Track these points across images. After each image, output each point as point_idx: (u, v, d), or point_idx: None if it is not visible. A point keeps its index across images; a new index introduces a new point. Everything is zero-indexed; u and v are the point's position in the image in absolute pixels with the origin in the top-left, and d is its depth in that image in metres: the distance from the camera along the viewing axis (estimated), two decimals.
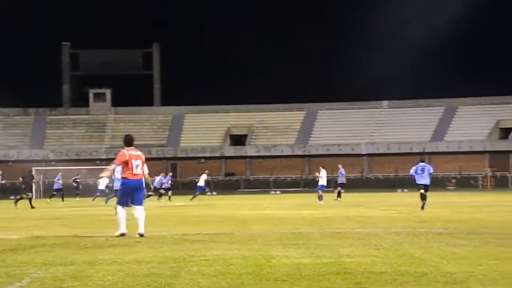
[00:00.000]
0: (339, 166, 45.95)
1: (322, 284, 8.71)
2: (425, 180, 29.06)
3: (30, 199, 37.64)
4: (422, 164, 29.96)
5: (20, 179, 40.82)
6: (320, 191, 39.67)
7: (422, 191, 28.65)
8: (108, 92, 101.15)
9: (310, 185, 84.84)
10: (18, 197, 38.58)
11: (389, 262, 10.70)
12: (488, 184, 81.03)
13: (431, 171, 29.69)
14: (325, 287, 8.45)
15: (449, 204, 34.07)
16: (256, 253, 12.23)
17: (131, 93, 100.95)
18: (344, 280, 9.02)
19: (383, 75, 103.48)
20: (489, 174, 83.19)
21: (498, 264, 10.32)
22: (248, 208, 32.46)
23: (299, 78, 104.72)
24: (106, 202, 37.67)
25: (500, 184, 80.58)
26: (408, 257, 11.39)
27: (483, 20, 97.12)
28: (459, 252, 11.97)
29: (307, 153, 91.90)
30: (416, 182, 29.40)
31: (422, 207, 27.75)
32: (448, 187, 79.72)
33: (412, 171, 29.78)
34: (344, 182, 45.49)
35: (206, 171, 49.95)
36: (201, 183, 45.92)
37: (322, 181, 40.46)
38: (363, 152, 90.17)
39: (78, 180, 61.57)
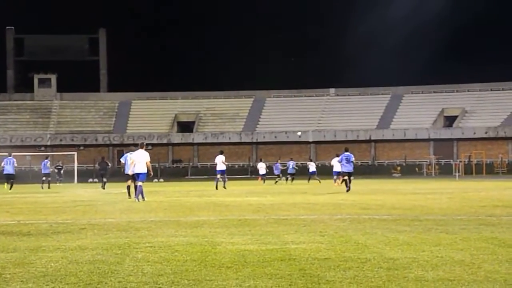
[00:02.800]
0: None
1: (266, 270, 8.74)
2: (348, 168, 33.96)
3: None
4: (347, 153, 34.42)
5: None
6: (335, 177, 43.50)
7: (346, 177, 33.64)
8: (53, 78, 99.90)
9: (257, 172, 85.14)
10: None
11: (333, 249, 10.79)
12: (433, 171, 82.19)
13: (353, 159, 34.71)
14: (270, 273, 8.48)
15: (394, 191, 34.44)
16: (202, 239, 12.23)
17: (77, 79, 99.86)
18: (289, 266, 9.06)
19: (331, 63, 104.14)
20: (434, 161, 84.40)
21: (439, 250, 10.48)
22: (195, 195, 32.40)
23: (247, 65, 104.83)
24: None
25: (444, 171, 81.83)
26: (352, 243, 11.49)
27: (432, 9, 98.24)
28: (402, 239, 12.12)
29: (254, 140, 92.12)
30: (342, 170, 34.63)
31: (348, 190, 32.20)
32: (394, 174, 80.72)
33: (338, 159, 35.31)
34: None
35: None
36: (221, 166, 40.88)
37: (336, 167, 42.82)
38: (310, 140, 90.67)
39: (60, 167, 60.89)
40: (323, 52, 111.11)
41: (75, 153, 73.99)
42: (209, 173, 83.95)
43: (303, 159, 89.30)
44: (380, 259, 9.60)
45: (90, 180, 70.78)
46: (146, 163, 26.66)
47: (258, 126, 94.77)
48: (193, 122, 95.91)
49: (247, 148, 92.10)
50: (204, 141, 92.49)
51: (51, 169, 52.64)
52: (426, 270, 8.64)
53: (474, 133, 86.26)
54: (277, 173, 57.96)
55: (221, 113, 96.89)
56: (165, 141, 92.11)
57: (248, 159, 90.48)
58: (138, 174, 26.54)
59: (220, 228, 14.36)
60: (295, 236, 12.70)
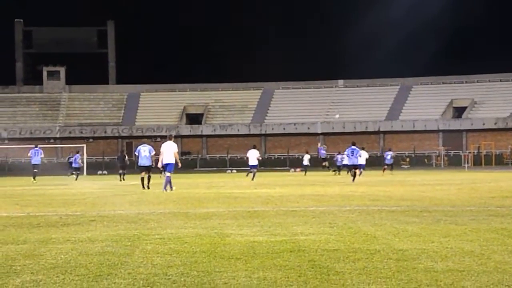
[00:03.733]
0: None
1: (276, 261, 8.75)
2: (353, 161, 36.58)
3: None
4: (353, 147, 36.73)
5: None
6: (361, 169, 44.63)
7: (352, 170, 36.64)
8: (62, 70, 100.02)
9: (266, 164, 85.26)
10: None
11: (342, 240, 10.79)
12: (442, 162, 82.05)
13: (360, 154, 37.72)
14: (279, 265, 8.49)
15: (403, 183, 34.42)
16: (211, 231, 12.25)
17: (86, 71, 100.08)
18: (298, 257, 9.07)
19: (340, 54, 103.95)
20: (443, 152, 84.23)
21: (448, 241, 10.47)
22: (204, 187, 32.43)
23: (256, 57, 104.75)
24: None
25: (453, 162, 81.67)
26: (361, 234, 11.49)
27: (440, 2, 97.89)
28: (411, 230, 12.11)
29: (263, 132, 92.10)
30: (348, 163, 37.61)
31: (353, 180, 35.09)
32: (403, 166, 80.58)
33: (346, 153, 37.61)
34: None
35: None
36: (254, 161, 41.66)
37: (361, 160, 44.02)
38: (319, 131, 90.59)
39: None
40: (331, 44, 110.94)
41: (84, 145, 74.14)
42: (218, 165, 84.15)
43: (312, 150, 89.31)
44: (389, 250, 9.60)
45: (100, 172, 70.94)
46: (174, 153, 27.32)
47: (266, 118, 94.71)
48: (202, 114, 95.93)
49: (255, 140, 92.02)
50: (212, 133, 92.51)
51: (81, 164, 53.26)
52: (435, 261, 8.64)
53: (483, 124, 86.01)
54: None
55: (230, 105, 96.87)
56: (174, 133, 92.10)
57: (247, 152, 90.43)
58: (166, 165, 27.30)
59: (229, 220, 14.38)
60: (304, 227, 12.71)
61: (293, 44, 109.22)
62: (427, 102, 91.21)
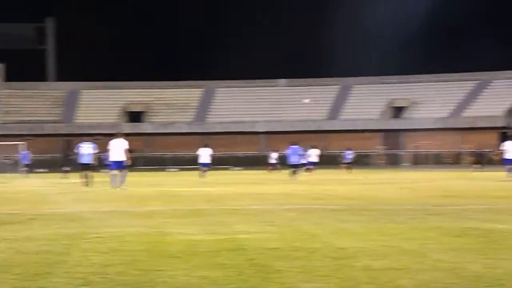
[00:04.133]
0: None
1: (216, 260, 8.75)
2: (294, 160, 37.49)
3: None
4: (294, 146, 38.03)
5: None
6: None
7: (293, 168, 37.25)
8: (1, 67, 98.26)
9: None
10: None
11: (283, 238, 10.84)
12: (381, 162, 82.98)
13: (300, 152, 38.75)
14: (219, 263, 8.49)
15: (343, 182, 34.74)
16: (152, 230, 12.19)
17: (26, 68, 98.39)
18: (238, 256, 9.08)
19: (281, 53, 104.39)
20: (383, 152, 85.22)
21: (387, 240, 10.60)
22: (145, 185, 32.25)
23: (197, 55, 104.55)
24: None
25: (392, 161, 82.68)
26: (302, 233, 11.56)
27: (381, 3, 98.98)
28: (351, 228, 12.23)
29: (205, 131, 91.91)
30: (289, 161, 37.77)
31: (294, 179, 35.51)
32: (343, 165, 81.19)
33: (287, 152, 38.13)
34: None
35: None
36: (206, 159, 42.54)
37: (313, 158, 49.13)
38: (260, 130, 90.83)
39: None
40: (273, 43, 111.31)
41: (25, 142, 72.96)
42: (159, 163, 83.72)
43: (253, 149, 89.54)
44: (329, 248, 9.68)
45: (40, 170, 69.92)
46: (125, 150, 27.11)
47: (208, 116, 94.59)
48: (143, 112, 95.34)
49: (197, 139, 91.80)
50: (154, 131, 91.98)
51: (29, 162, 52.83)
52: (373, 259, 8.73)
53: (422, 124, 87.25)
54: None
55: (171, 103, 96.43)
56: (114, 131, 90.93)
57: (198, 150, 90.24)
58: (116, 162, 27.00)
59: (171, 218, 14.33)
60: (245, 226, 12.73)
61: (234, 43, 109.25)
62: (367, 101, 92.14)
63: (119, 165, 27.09)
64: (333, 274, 7.72)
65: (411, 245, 9.96)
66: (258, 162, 79.99)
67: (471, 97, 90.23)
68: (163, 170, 72.59)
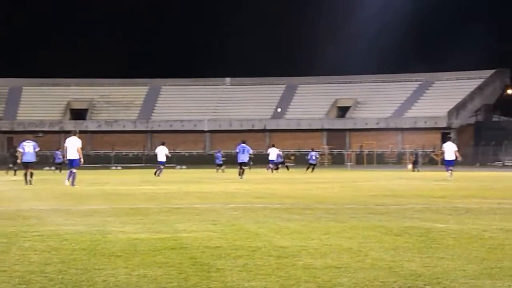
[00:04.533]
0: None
1: (156, 259, 8.70)
2: (243, 158, 37.73)
3: None
4: (243, 145, 38.25)
5: None
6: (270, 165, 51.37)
7: (243, 167, 37.55)
8: None
9: (152, 161, 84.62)
10: None
11: (225, 237, 10.83)
12: (326, 161, 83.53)
13: (250, 152, 39.01)
14: (160, 262, 8.44)
15: (287, 181, 34.88)
16: (92, 228, 12.06)
17: None
18: (180, 254, 9.04)
19: (227, 52, 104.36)
20: (326, 151, 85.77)
21: (328, 238, 10.67)
22: (87, 183, 31.89)
23: (142, 53, 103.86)
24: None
25: (336, 161, 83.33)
26: (244, 232, 11.57)
27: (321, 4, 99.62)
28: (293, 227, 12.27)
29: (149, 129, 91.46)
30: (238, 160, 37.91)
31: (241, 177, 36.15)
32: (287, 164, 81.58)
33: (236, 150, 38.36)
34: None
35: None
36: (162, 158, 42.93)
37: (272, 156, 51.78)
38: (206, 129, 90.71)
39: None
40: (219, 42, 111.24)
41: None
42: (103, 161, 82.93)
43: (198, 148, 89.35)
44: (271, 247, 9.69)
45: None
46: (78, 149, 27.74)
47: (153, 114, 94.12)
48: (87, 110, 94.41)
49: (141, 137, 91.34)
50: (97, 129, 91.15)
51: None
52: (314, 258, 8.77)
53: (366, 124, 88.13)
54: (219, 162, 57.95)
55: (115, 100, 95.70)
56: (57, 129, 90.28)
57: (142, 148, 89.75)
58: (71, 160, 27.74)
59: (112, 217, 14.21)
60: (187, 224, 12.69)
61: (180, 41, 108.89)
62: (312, 101, 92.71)
63: (75, 163, 27.71)
64: (275, 273, 7.74)
65: (352, 244, 10.04)
66: (202, 161, 79.88)
67: (414, 97, 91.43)
68: (107, 168, 71.93)
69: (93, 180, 35.92)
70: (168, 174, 48.08)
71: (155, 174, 41.47)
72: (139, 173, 50.82)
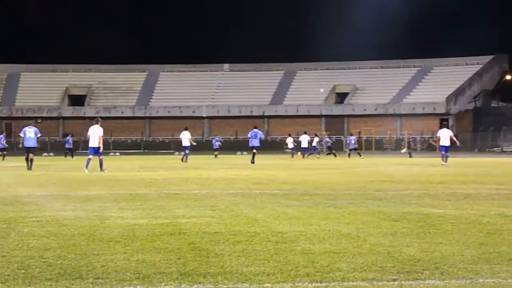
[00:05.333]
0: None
1: (155, 244, 8.72)
2: (254, 143, 38.92)
3: None
4: (255, 130, 39.65)
5: None
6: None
7: (254, 150, 38.85)
8: None
9: (150, 147, 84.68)
10: None
11: (223, 223, 10.86)
12: (324, 147, 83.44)
13: (262, 137, 40.42)
14: (159, 247, 8.47)
15: (286, 166, 34.90)
16: (91, 214, 12.08)
17: None
18: (178, 240, 9.07)
19: (225, 38, 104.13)
20: (326, 137, 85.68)
21: (327, 224, 10.69)
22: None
23: (140, 39, 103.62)
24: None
25: (335, 147, 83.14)
26: (243, 217, 11.59)
27: None
28: (291, 213, 12.30)
29: (148, 115, 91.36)
30: (250, 144, 39.59)
31: (253, 162, 37.23)
32: (286, 150, 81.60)
33: (248, 135, 39.77)
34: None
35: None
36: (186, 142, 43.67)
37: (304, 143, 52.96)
38: (204, 115, 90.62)
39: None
40: (216, 27, 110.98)
41: None
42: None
43: (197, 134, 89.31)
44: (269, 233, 9.72)
45: None
46: (99, 137, 28.52)
47: (151, 100, 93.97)
48: (85, 96, 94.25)
49: (140, 123, 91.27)
50: (96, 115, 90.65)
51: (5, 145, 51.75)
52: (313, 243, 8.80)
53: (365, 110, 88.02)
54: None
55: (114, 87, 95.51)
56: (55, 115, 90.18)
57: (141, 134, 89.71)
58: (93, 148, 28.54)
59: (110, 203, 14.23)
60: (186, 210, 12.71)
61: (179, 27, 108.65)
62: (311, 87, 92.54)
63: (95, 150, 28.45)
64: (273, 258, 7.76)
65: (350, 229, 10.07)
66: (202, 147, 79.86)
67: (413, 83, 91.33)
68: (105, 154, 71.90)
69: (91, 167, 35.92)
70: (167, 160, 48.14)
71: (182, 160, 42.03)
72: (137, 159, 50.84)
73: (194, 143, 45.92)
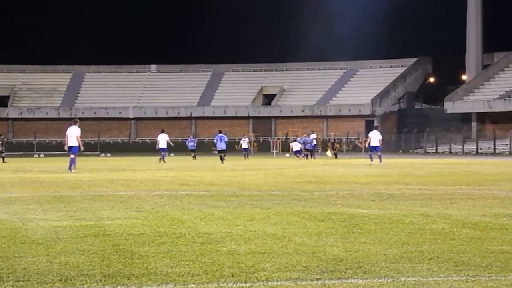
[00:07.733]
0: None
1: (79, 246, 8.60)
2: (221, 146, 42.07)
3: None
4: (220, 134, 43.03)
5: None
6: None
7: (221, 154, 41.78)
8: None
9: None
10: None
11: (149, 224, 10.79)
12: (252, 148, 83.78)
13: (226, 140, 43.05)
14: (82, 249, 8.36)
15: (212, 168, 34.87)
16: (13, 216, 11.86)
17: None
18: (102, 242, 8.97)
19: (153, 39, 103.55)
20: (253, 139, 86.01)
21: (253, 225, 10.72)
22: (9, 171, 31.31)
23: (66, 39, 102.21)
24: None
25: (262, 148, 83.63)
26: (168, 218, 11.54)
27: None
28: (218, 214, 12.30)
29: (73, 116, 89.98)
30: (217, 148, 42.71)
31: (222, 163, 39.73)
32: (213, 152, 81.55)
33: (214, 139, 43.81)
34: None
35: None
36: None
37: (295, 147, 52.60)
38: (131, 116, 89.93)
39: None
40: (145, 29, 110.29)
41: None
42: (25, 149, 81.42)
43: (123, 135, 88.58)
44: (195, 233, 9.70)
45: None
46: (77, 137, 29.77)
47: (77, 101, 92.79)
48: (8, 97, 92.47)
49: (65, 124, 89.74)
50: (19, 116, 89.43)
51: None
52: (238, 243, 8.81)
53: (291, 111, 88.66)
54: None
55: (38, 87, 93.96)
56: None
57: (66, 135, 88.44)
58: (70, 147, 29.72)
59: (33, 205, 13.99)
60: (111, 212, 12.59)
61: (105, 27, 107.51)
62: (238, 89, 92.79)
63: (74, 150, 29.53)
64: (198, 259, 7.74)
65: (276, 230, 10.11)
66: (128, 148, 79.23)
67: (339, 85, 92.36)
68: (29, 156, 70.68)
69: (14, 168, 35.26)
70: (91, 162, 47.62)
71: (159, 161, 42.62)
72: (62, 161, 50.06)
73: (172, 144, 46.84)
